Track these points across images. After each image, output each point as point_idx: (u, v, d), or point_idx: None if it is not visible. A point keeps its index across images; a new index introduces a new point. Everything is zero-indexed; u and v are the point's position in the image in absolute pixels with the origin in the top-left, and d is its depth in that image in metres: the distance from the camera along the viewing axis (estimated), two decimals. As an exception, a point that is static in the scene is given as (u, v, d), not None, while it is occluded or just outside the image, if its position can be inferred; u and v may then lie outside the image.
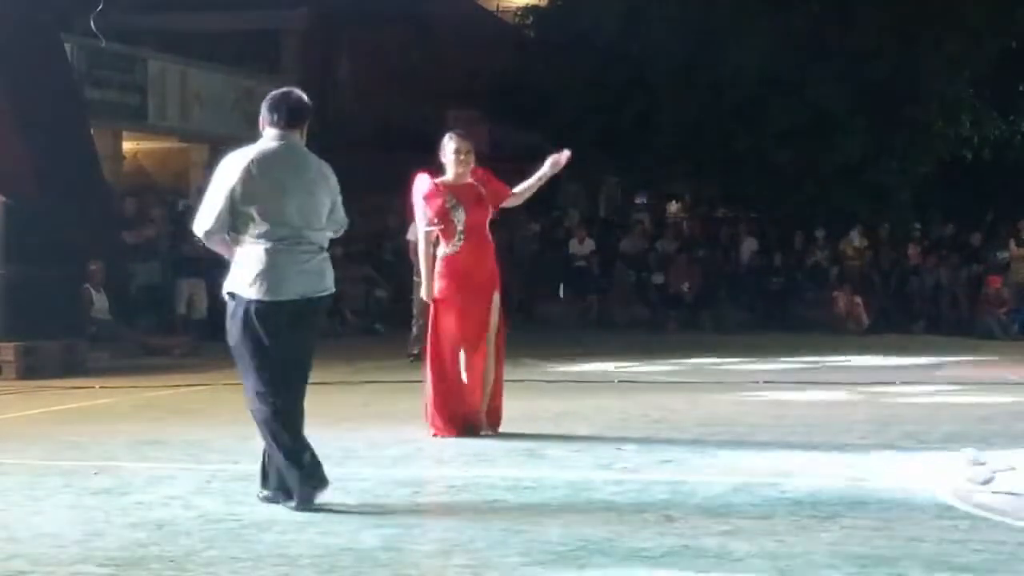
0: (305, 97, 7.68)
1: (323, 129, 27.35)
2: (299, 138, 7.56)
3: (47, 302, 15.49)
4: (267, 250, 7.25)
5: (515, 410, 10.34)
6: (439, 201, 10.10)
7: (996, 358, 18.43)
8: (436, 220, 10.14)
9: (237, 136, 26.81)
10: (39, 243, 15.39)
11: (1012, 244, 24.79)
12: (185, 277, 19.94)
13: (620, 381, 14.76)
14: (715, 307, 25.29)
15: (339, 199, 7.66)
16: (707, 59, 25.94)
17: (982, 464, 8.42)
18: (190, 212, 22.25)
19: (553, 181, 28.84)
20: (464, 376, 9.99)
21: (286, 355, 7.35)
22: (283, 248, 7.27)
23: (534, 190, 10.47)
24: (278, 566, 6.02)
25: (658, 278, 26.01)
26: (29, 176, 16.93)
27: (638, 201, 30.98)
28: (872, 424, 11.04)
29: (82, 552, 6.30)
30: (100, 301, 18.19)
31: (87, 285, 17.69)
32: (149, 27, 25.11)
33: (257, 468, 8.52)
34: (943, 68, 26.68)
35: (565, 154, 10.33)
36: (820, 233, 26.22)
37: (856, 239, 26.05)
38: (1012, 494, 7.67)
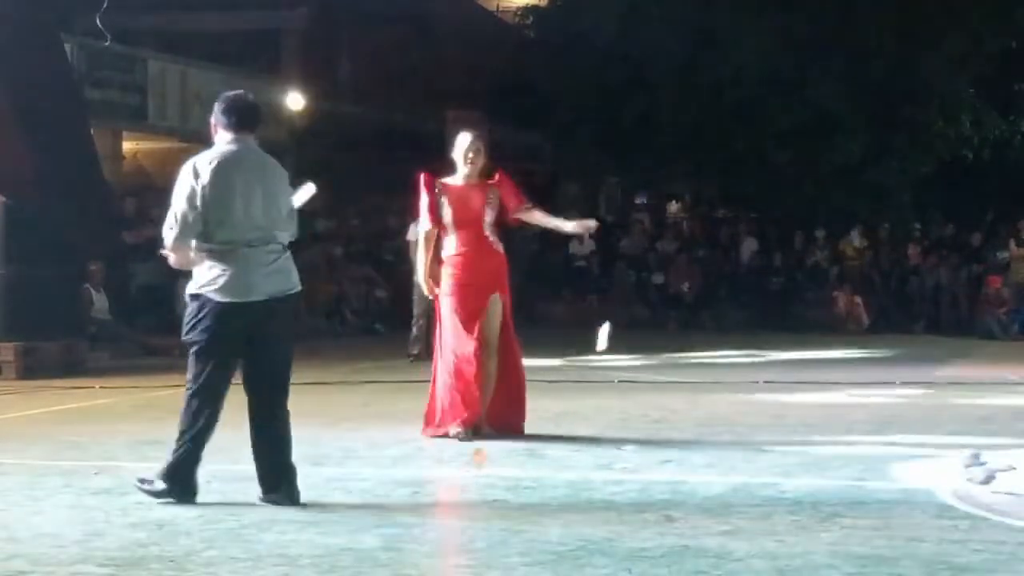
0: (254, 100, 7.82)
1: (324, 129, 27.51)
2: (254, 140, 7.62)
3: (47, 302, 15.49)
4: (237, 253, 7.33)
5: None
6: (430, 200, 10.11)
7: (996, 358, 18.43)
8: (431, 218, 10.15)
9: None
10: (39, 243, 15.40)
11: (1012, 244, 24.78)
12: (185, 277, 19.91)
13: (620, 381, 14.76)
14: (715, 307, 25.30)
15: (292, 202, 7.75)
16: (707, 59, 25.94)
17: (982, 464, 8.42)
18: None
19: (553, 180, 28.60)
20: (461, 376, 9.93)
21: (261, 359, 7.46)
22: (251, 250, 7.37)
23: (543, 226, 10.46)
24: (278, 566, 6.02)
25: (658, 278, 26.03)
26: (29, 176, 16.92)
27: (638, 201, 30.98)
28: (872, 424, 11.04)
29: (82, 552, 6.30)
30: (100, 301, 18.18)
31: (87, 285, 17.69)
32: (149, 27, 25.09)
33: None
34: (943, 68, 26.66)
35: (592, 224, 10.56)
36: (820, 233, 26.23)
37: (856, 239, 26.06)
38: (1012, 494, 7.67)
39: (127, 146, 24.75)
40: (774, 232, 26.99)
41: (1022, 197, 26.82)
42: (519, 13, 31.66)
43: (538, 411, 11.04)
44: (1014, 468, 8.34)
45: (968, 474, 8.23)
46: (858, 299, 24.21)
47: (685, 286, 25.62)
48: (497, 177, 10.18)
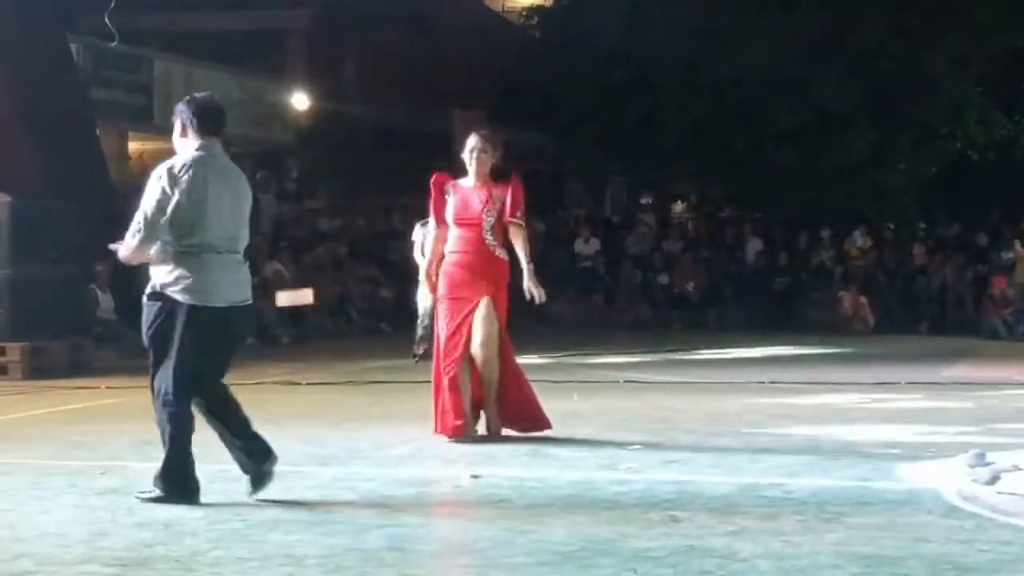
0: (220, 103, 7.82)
1: (328, 130, 27.51)
2: (220, 145, 7.63)
3: (53, 302, 15.51)
4: (203, 257, 7.39)
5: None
6: (437, 199, 10.11)
7: (1001, 358, 18.42)
8: (437, 218, 10.15)
9: (241, 136, 26.94)
10: (45, 243, 15.42)
11: (1017, 244, 24.75)
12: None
13: (625, 381, 14.76)
14: (720, 307, 25.29)
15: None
16: (709, 59, 25.92)
17: (987, 464, 8.41)
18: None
19: (557, 181, 28.59)
20: (454, 378, 9.89)
21: (208, 360, 7.47)
22: (218, 256, 7.43)
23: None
24: (283, 566, 6.03)
25: (663, 278, 26.02)
26: (35, 176, 16.94)
27: (643, 201, 30.98)
28: (877, 424, 11.04)
29: (88, 552, 6.31)
30: (106, 301, 18.20)
31: (93, 285, 17.71)
32: (154, 27, 25.11)
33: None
34: (948, 68, 26.64)
35: (538, 293, 10.09)
36: (825, 233, 26.22)
37: (861, 239, 26.04)
38: (1017, 494, 7.66)
39: (133, 146, 24.77)
40: (779, 232, 26.97)
41: (1027, 197, 26.82)
42: (524, 13, 31.67)
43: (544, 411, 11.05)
44: (1019, 468, 8.32)
45: (973, 474, 8.22)
46: (863, 299, 24.20)
47: (690, 286, 25.62)
48: (511, 182, 10.06)
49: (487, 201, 9.96)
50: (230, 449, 7.59)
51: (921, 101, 26.65)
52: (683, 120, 26.60)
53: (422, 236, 16.40)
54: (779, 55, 25.55)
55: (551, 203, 29.57)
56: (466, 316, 9.89)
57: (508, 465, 8.82)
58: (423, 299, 16.54)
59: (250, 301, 7.64)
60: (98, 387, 13.82)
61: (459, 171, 10.21)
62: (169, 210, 7.34)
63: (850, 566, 6.03)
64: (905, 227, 27.23)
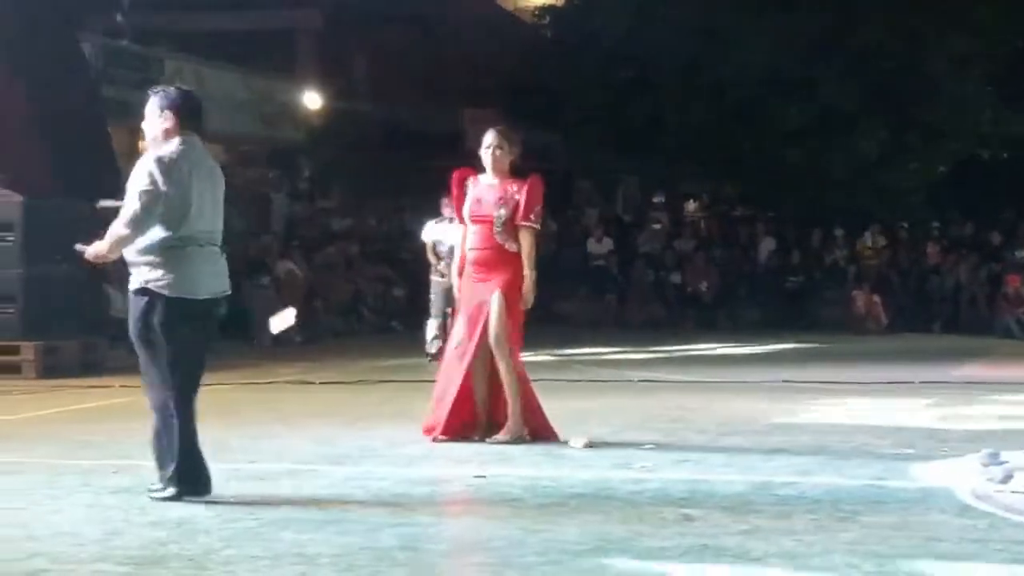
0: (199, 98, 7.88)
1: (339, 129, 27.52)
2: (200, 139, 7.70)
3: (66, 301, 15.53)
4: (187, 250, 7.46)
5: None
6: (457, 196, 10.09)
7: (1015, 357, 18.39)
8: (458, 215, 10.15)
9: (253, 135, 26.91)
10: (57, 242, 15.40)
11: (1030, 243, 24.73)
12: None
13: (638, 380, 14.75)
14: (733, 306, 25.27)
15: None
16: (711, 59, 25.88)
17: (1001, 464, 8.39)
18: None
19: (567, 180, 28.53)
20: (469, 375, 9.86)
21: (188, 350, 7.50)
22: (200, 249, 7.52)
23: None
24: (296, 565, 6.03)
25: (676, 277, 26.01)
26: (47, 175, 16.96)
27: (656, 200, 30.96)
28: (891, 424, 11.02)
29: (101, 551, 6.31)
30: (118, 300, 18.17)
31: (105, 284, 17.71)
32: (165, 27, 25.13)
33: (276, 468, 8.56)
34: (950, 67, 26.56)
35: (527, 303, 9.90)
36: (838, 232, 26.18)
37: (874, 238, 26.00)
38: (1031, 493, 7.65)
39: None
40: (792, 231, 26.94)
41: (1041, 195, 26.77)
42: (536, 13, 31.66)
43: (556, 410, 11.04)
44: (1033, 467, 8.32)
45: (987, 473, 8.20)
46: (876, 298, 24.16)
47: (703, 285, 25.60)
48: (527, 182, 9.94)
49: (500, 198, 9.90)
50: (156, 444, 7.55)
51: (922, 101, 26.56)
52: (685, 120, 26.57)
53: (433, 235, 16.43)
54: (780, 55, 25.51)
55: (562, 202, 29.57)
56: (481, 313, 9.86)
57: (521, 464, 8.81)
58: (435, 298, 16.55)
59: (228, 292, 7.75)
60: (111, 386, 13.82)
61: (477, 169, 10.19)
62: (159, 202, 7.40)
63: (864, 565, 6.02)
64: (919, 226, 27.17)
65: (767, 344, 20.33)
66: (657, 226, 27.82)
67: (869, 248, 25.81)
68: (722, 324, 24.38)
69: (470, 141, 10.50)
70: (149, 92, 7.83)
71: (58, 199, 16.23)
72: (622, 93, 26.77)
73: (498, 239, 9.88)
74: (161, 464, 7.51)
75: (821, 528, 6.80)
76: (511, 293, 9.83)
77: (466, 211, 10.00)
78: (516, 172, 10.09)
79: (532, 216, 9.87)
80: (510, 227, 9.87)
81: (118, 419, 11.21)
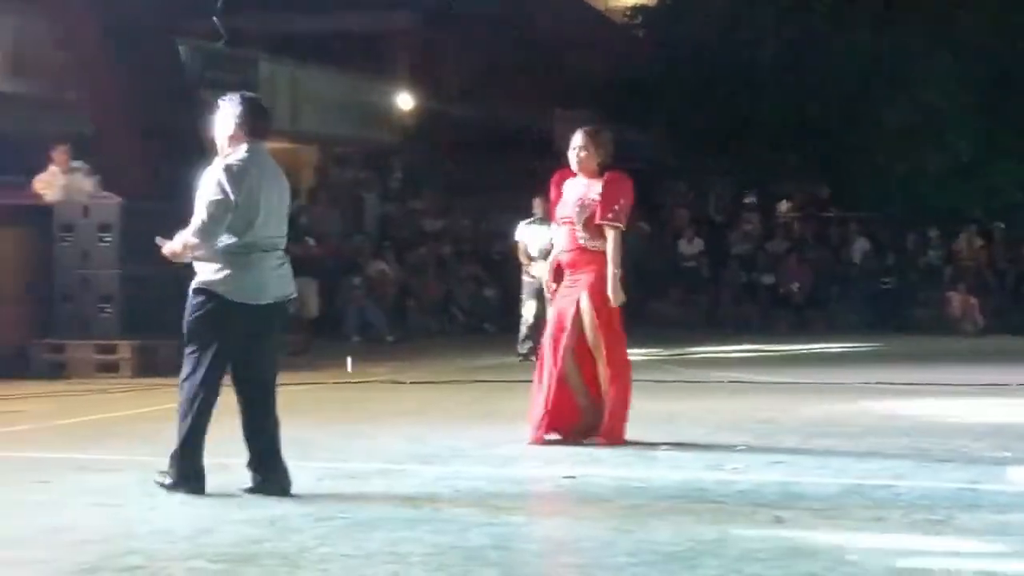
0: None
1: (433, 130, 27.60)
2: (266, 146, 7.84)
3: (162, 301, 15.66)
4: (252, 256, 7.62)
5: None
6: (553, 196, 10.10)
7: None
8: (552, 216, 10.17)
9: (347, 137, 27.06)
10: (154, 244, 15.58)
11: None
12: (296, 276, 20.11)
13: (730, 382, 14.68)
14: (826, 308, 25.08)
15: None
16: (814, 59, 25.70)
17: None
18: (302, 212, 22.46)
19: (659, 181, 28.41)
20: (563, 376, 9.84)
21: (254, 359, 7.71)
22: (265, 255, 7.66)
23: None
24: (388, 564, 6.06)
25: (768, 278, 25.86)
26: (145, 177, 17.15)
27: (747, 201, 30.78)
28: (987, 427, 10.88)
29: (195, 548, 6.38)
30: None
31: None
32: (260, 29, 25.34)
33: (368, 467, 8.61)
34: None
35: (616, 299, 9.72)
36: (933, 232, 25.89)
37: (970, 239, 25.69)
38: None
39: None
40: (886, 232, 26.68)
41: None
42: (628, 13, 31.60)
43: (647, 412, 11.03)
44: None
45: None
46: (973, 300, 23.88)
47: (795, 286, 25.43)
48: (606, 179, 9.88)
49: (580, 198, 9.85)
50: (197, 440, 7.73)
51: (1020, 99, 26.16)
52: (788, 119, 26.40)
53: (525, 235, 16.45)
54: (879, 54, 25.28)
55: (654, 203, 29.48)
56: (566, 316, 9.83)
57: (612, 465, 8.80)
58: (527, 298, 16.58)
59: (292, 296, 7.87)
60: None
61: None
62: (229, 209, 7.53)
63: (959, 569, 5.95)
64: (1016, 226, 26.80)
65: (860, 345, 20.16)
66: (749, 227, 27.67)
67: (967, 247, 25.48)
68: (815, 325, 24.21)
69: (560, 141, 10.47)
70: (219, 100, 7.92)
71: (155, 201, 16.42)
72: (716, 92, 26.66)
73: (581, 240, 9.85)
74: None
75: (915, 531, 6.74)
76: (596, 294, 9.76)
77: (560, 209, 10.03)
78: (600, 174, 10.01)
79: (611, 214, 9.77)
80: (591, 227, 9.79)
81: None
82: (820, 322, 24.50)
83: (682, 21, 27.74)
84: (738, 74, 26.45)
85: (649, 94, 27.60)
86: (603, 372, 9.76)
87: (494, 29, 28.55)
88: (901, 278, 25.45)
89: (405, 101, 27.18)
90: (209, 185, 7.61)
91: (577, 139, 9.96)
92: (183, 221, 7.98)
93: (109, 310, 15.50)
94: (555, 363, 9.76)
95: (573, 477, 8.31)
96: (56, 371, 15.06)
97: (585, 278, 9.81)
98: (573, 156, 9.94)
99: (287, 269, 7.81)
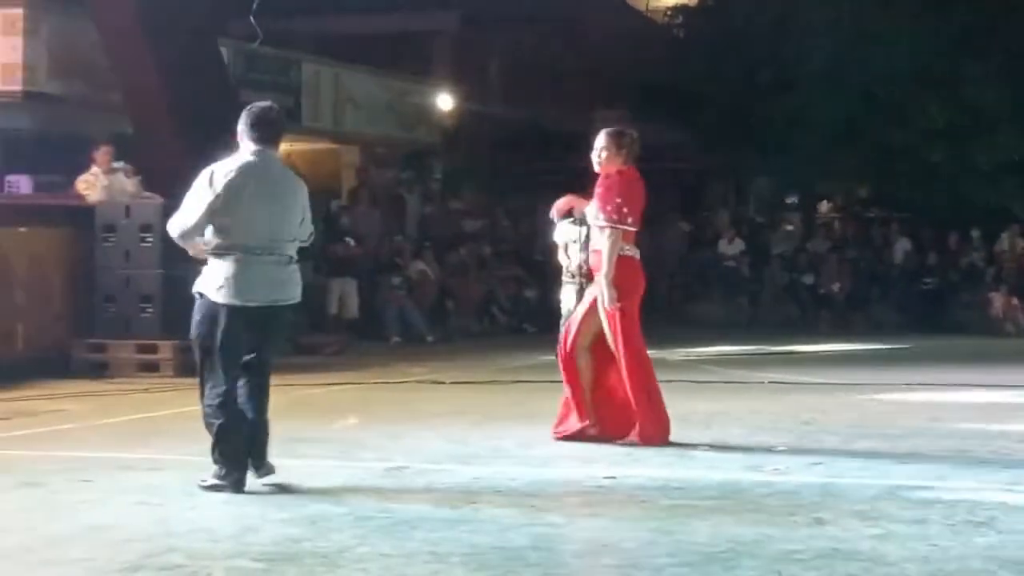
0: (281, 115, 8.22)
1: (473, 130, 27.61)
2: (275, 152, 8.04)
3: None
4: (237, 259, 7.75)
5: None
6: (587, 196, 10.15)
7: None
8: None
9: (389, 137, 27.11)
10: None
11: None
12: (337, 277, 20.19)
13: (770, 382, 14.64)
14: (867, 308, 24.99)
15: (308, 212, 8.10)
16: (858, 57, 25.61)
17: None
18: (342, 212, 22.52)
19: (700, 181, 28.35)
20: (576, 374, 9.92)
21: (248, 356, 7.84)
22: (253, 258, 7.76)
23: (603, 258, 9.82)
24: (428, 563, 6.07)
25: (808, 278, 25.78)
26: (187, 178, 17.23)
27: (789, 201, 30.70)
28: (1029, 428, 10.82)
29: (237, 547, 6.41)
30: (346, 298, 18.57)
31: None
32: (303, 30, 25.42)
33: (408, 466, 8.63)
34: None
35: (609, 299, 9.72)
36: (975, 233, 25.74)
37: (1012, 239, 25.53)
38: None
39: (281, 147, 25.05)
40: (928, 232, 26.55)
41: None
42: (669, 13, 31.55)
43: (687, 413, 11.03)
44: None
45: None
46: (1015, 301, 23.73)
47: (836, 287, 25.34)
48: (601, 179, 9.88)
49: (593, 200, 9.90)
50: (221, 439, 7.85)
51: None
52: (831, 119, 26.30)
53: (564, 236, 16.42)
54: (928, 53, 25.17)
55: (695, 203, 29.43)
56: (589, 316, 9.91)
57: (652, 465, 8.80)
58: (566, 299, 16.55)
59: (288, 302, 7.94)
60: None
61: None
62: (204, 210, 7.77)
63: (1001, 571, 5.93)
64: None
65: (901, 346, 20.07)
66: (790, 227, 27.59)
67: (1010, 248, 25.32)
68: (856, 326, 24.12)
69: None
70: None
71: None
72: (759, 92, 26.58)
73: (593, 242, 9.93)
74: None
75: (957, 533, 6.71)
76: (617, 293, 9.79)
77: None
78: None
79: (603, 214, 9.74)
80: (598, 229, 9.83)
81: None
82: (861, 322, 24.39)
83: (723, 21, 27.66)
84: (781, 74, 26.35)
85: (691, 94, 27.53)
86: (623, 372, 9.77)
87: (535, 29, 28.56)
88: (943, 278, 25.31)
89: (445, 101, 27.20)
90: (193, 186, 7.93)
91: (599, 140, 9.98)
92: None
93: (150, 310, 15.57)
94: (578, 363, 9.82)
95: (613, 477, 8.31)
96: (97, 371, 15.15)
97: (594, 279, 9.92)
98: (595, 157, 9.96)
99: (284, 274, 7.89)
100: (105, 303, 15.63)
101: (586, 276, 10.31)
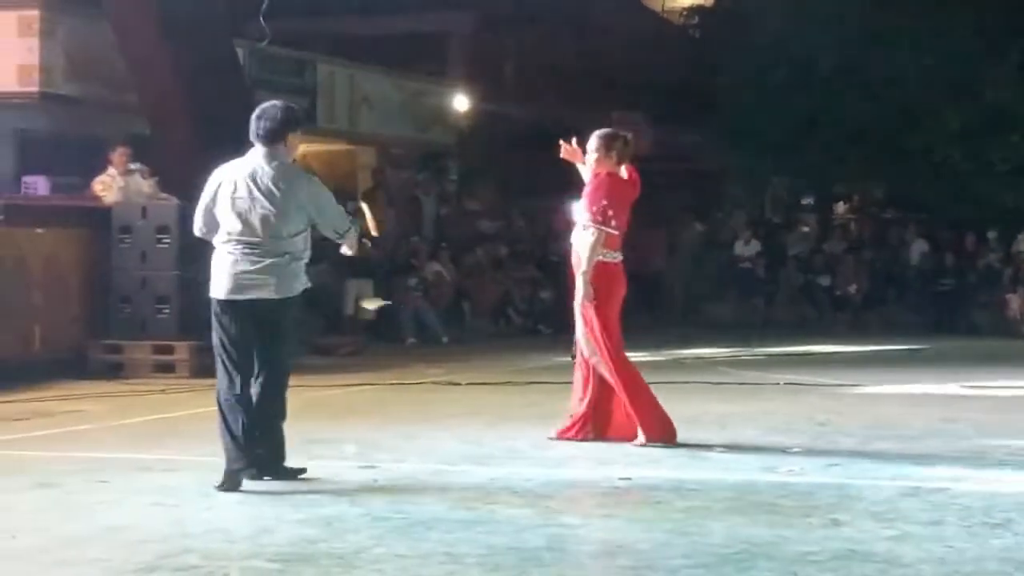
0: (285, 113, 8.28)
1: (489, 131, 27.61)
2: (279, 151, 8.15)
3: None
4: (228, 253, 8.05)
5: (679, 413, 10.27)
6: None
7: None
8: None
9: (404, 138, 27.13)
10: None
11: None
12: (353, 278, 20.19)
13: (786, 383, 14.62)
14: (883, 309, 24.94)
15: (324, 205, 8.19)
16: (875, 58, 25.57)
17: None
18: (358, 214, 22.52)
19: (716, 182, 28.43)
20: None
21: (247, 350, 8.00)
22: (240, 253, 8.00)
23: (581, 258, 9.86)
24: (443, 564, 6.08)
25: (825, 280, 25.75)
26: (204, 179, 17.28)
27: (805, 202, 30.65)
28: (1046, 429, 10.80)
29: (252, 548, 6.42)
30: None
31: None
32: (318, 31, 25.44)
33: (424, 467, 8.64)
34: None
35: (584, 297, 9.79)
36: (992, 234, 25.68)
37: (1029, 240, 25.46)
38: None
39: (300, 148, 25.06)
40: (944, 233, 26.49)
41: None
42: (684, 14, 31.52)
43: (702, 414, 11.03)
44: None
45: None
46: (1033, 302, 23.68)
47: (852, 288, 25.30)
48: (591, 179, 10.00)
49: (581, 199, 9.95)
50: (221, 436, 7.97)
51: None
52: (848, 119, 26.27)
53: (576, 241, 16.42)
54: (945, 53, 25.12)
55: (711, 204, 29.39)
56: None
57: (667, 467, 8.79)
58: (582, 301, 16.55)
59: (278, 296, 8.01)
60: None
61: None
62: (201, 208, 8.25)
63: (1017, 573, 5.92)
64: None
65: (918, 347, 20.04)
66: (806, 228, 27.55)
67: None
68: (872, 327, 24.08)
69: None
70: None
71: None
72: (775, 93, 26.55)
73: (575, 241, 9.97)
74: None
75: (973, 535, 6.70)
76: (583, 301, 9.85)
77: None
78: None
79: (587, 215, 9.78)
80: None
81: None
82: (877, 323, 24.35)
83: (739, 22, 27.62)
84: (797, 75, 26.32)
85: (708, 95, 27.50)
86: (611, 377, 9.82)
87: (551, 30, 28.55)
88: (959, 280, 25.25)
89: (461, 102, 27.22)
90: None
91: (590, 142, 10.06)
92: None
93: (166, 311, 15.61)
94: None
95: (628, 478, 8.31)
96: (113, 371, 15.18)
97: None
98: (588, 159, 10.03)
99: (271, 271, 7.99)
100: (121, 304, 15.67)
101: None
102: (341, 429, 10.67)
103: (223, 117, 18.18)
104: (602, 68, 29.13)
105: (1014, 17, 25.55)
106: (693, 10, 31.04)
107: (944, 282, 25.15)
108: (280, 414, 8.14)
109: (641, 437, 9.64)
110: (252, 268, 7.98)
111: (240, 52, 20.14)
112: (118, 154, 16.60)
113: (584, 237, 9.78)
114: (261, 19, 18.58)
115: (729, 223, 27.93)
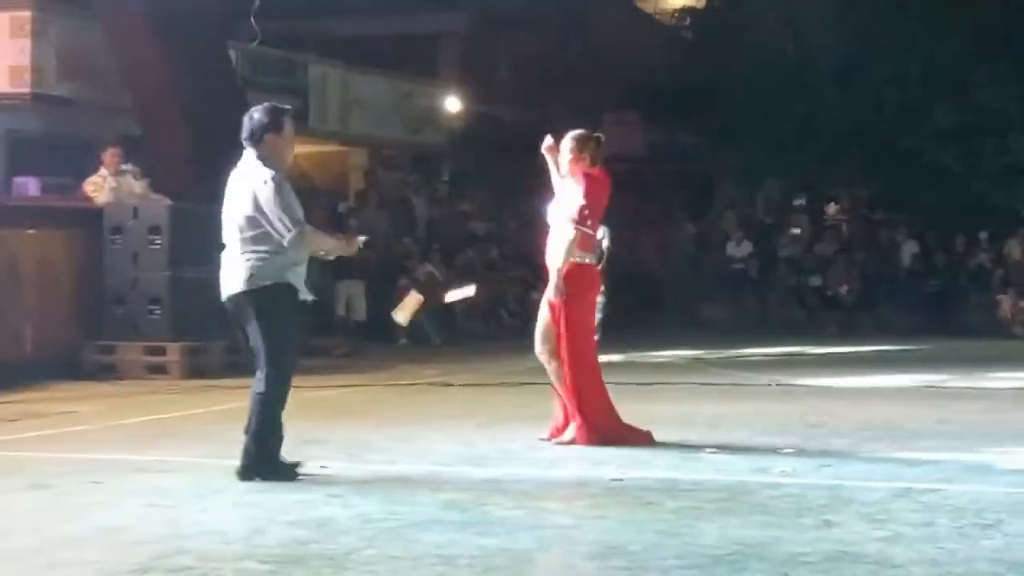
0: (263, 115, 8.58)
1: (481, 132, 27.61)
2: (261, 152, 8.47)
3: (211, 303, 15.76)
4: (223, 254, 8.48)
5: (671, 414, 10.31)
6: None
7: None
8: None
9: (396, 139, 27.11)
10: (203, 245, 15.67)
11: None
12: (344, 279, 20.19)
13: (778, 385, 14.64)
14: (874, 310, 24.98)
15: (265, 208, 8.31)
16: (868, 59, 25.62)
17: None
18: (350, 214, 22.50)
19: (709, 183, 28.45)
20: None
21: (247, 348, 8.54)
22: (226, 254, 8.44)
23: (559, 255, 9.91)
24: (436, 565, 6.09)
25: (816, 281, 25.78)
26: (195, 180, 17.27)
27: (796, 203, 30.69)
28: (1037, 430, 10.82)
29: (246, 549, 6.43)
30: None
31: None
32: (310, 32, 25.44)
33: (417, 468, 8.65)
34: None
35: (554, 297, 9.86)
36: (983, 235, 25.72)
37: (1021, 242, 25.50)
38: None
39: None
40: (935, 234, 26.53)
41: None
42: (676, 15, 31.55)
43: (694, 414, 11.04)
44: None
45: None
46: (1023, 303, 23.71)
47: (843, 289, 25.33)
48: (578, 181, 10.04)
49: (560, 198, 10.04)
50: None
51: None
52: (841, 120, 26.30)
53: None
54: (939, 55, 25.17)
55: (703, 205, 29.42)
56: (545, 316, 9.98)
57: (659, 468, 8.81)
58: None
59: (237, 291, 8.34)
60: (255, 387, 14.02)
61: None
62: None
63: (1008, 574, 5.93)
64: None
65: (909, 348, 20.07)
66: (797, 230, 27.56)
67: (1018, 250, 25.29)
68: (863, 328, 24.11)
69: (608, 145, 10.50)
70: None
71: (204, 204, 16.53)
72: (768, 94, 26.57)
73: (551, 239, 10.07)
74: None
75: (964, 536, 6.71)
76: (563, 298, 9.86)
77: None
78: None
79: (571, 216, 9.86)
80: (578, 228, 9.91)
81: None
82: (868, 325, 24.39)
83: (731, 23, 27.66)
84: (790, 76, 26.35)
85: (701, 96, 27.52)
86: (554, 374, 9.91)
87: (543, 31, 28.57)
88: (950, 281, 25.30)
89: (453, 103, 27.23)
90: None
91: (563, 143, 10.14)
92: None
93: (158, 312, 15.60)
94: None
95: (621, 479, 8.33)
96: (106, 372, 15.18)
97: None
98: (562, 159, 10.10)
99: (238, 265, 8.32)
100: (113, 305, 15.66)
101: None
102: (333, 430, 10.67)
103: (214, 118, 18.19)
104: (594, 69, 29.16)
105: (1004, 19, 25.59)
106: (685, 11, 31.06)
107: (935, 283, 25.21)
108: (262, 412, 8.20)
109: (569, 434, 9.70)
110: (227, 266, 8.38)
111: (232, 53, 20.14)
112: (109, 155, 16.59)
113: (563, 235, 9.81)
114: (251, 19, 18.60)
115: (721, 224, 27.97)
